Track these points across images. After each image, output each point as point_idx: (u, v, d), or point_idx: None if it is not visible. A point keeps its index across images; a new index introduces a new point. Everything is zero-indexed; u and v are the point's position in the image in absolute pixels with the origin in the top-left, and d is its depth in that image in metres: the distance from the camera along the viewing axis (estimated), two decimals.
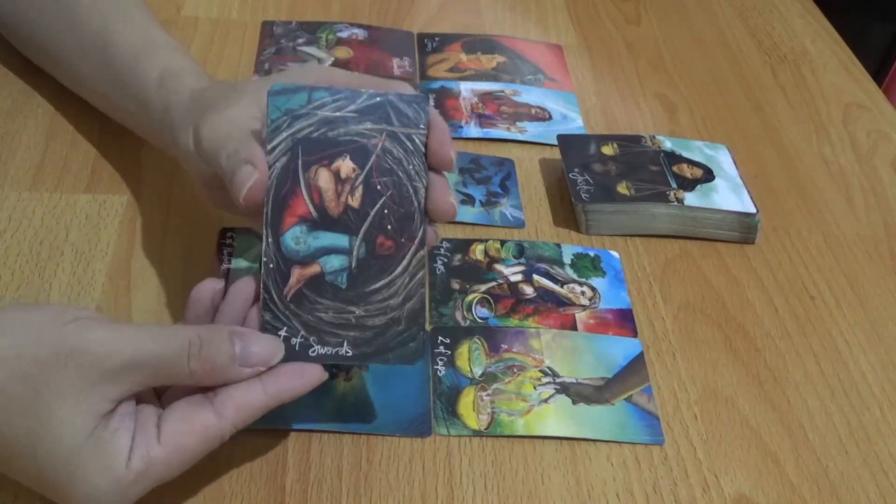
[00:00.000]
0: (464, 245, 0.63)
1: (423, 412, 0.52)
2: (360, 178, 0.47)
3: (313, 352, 0.46)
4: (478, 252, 0.63)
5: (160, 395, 0.46)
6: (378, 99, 0.47)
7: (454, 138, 0.72)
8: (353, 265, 0.47)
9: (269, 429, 0.50)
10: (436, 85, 0.78)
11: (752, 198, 0.67)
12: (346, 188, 0.47)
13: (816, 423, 0.55)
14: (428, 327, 0.57)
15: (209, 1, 0.84)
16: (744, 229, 0.66)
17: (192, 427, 0.42)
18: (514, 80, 0.80)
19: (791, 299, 0.63)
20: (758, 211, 0.66)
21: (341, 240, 0.47)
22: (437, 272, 0.61)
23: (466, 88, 0.78)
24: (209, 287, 0.47)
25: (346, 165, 0.47)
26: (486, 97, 0.77)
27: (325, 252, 0.46)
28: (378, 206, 0.47)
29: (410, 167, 0.47)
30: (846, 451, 0.54)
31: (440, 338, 0.56)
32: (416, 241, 0.47)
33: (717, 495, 0.51)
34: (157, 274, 0.58)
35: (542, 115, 0.76)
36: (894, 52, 1.24)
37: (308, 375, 0.45)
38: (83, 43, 0.61)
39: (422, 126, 0.48)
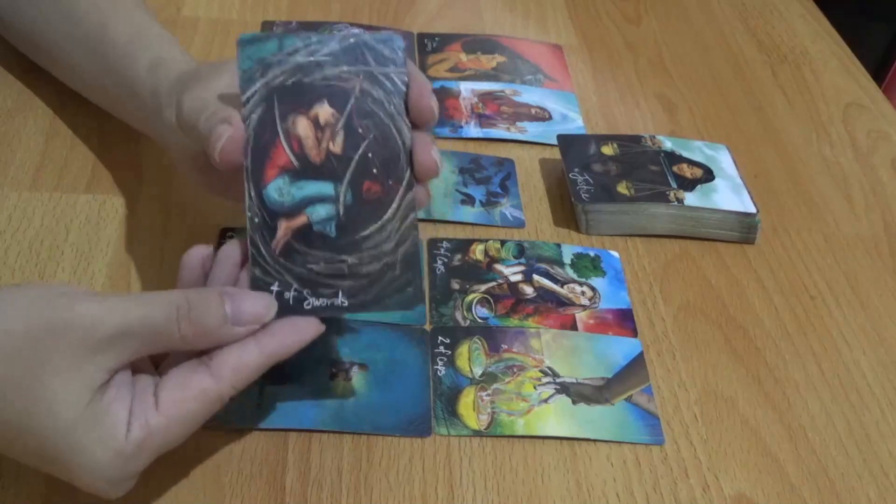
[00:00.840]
0: (464, 245, 0.63)
1: (423, 412, 0.52)
2: (341, 123, 0.46)
3: (308, 305, 0.45)
4: (478, 252, 0.63)
5: (158, 365, 0.45)
6: (352, 41, 0.46)
7: (454, 138, 0.72)
8: (341, 213, 0.45)
9: (269, 429, 0.50)
10: (436, 85, 0.78)
11: (752, 198, 0.67)
12: (326, 134, 0.46)
13: (816, 423, 0.55)
14: (428, 327, 0.57)
15: (209, 1, 0.84)
16: (744, 229, 0.66)
17: (190, 392, 0.42)
18: (514, 80, 0.80)
19: (791, 299, 0.63)
20: (758, 211, 0.66)
21: (326, 187, 0.45)
22: (437, 272, 0.61)
23: (466, 88, 0.78)
24: (199, 252, 0.46)
25: (324, 111, 0.45)
26: (486, 97, 0.77)
27: (310, 201, 0.45)
28: (361, 149, 0.45)
29: (391, 107, 0.46)
30: (846, 451, 0.54)
31: (440, 338, 0.56)
32: (404, 182, 0.46)
33: (717, 495, 0.51)
34: (157, 274, 0.58)
35: (542, 115, 0.76)
36: (894, 52, 1.24)
37: (304, 329, 0.44)
38: (79, 37, 0.61)
39: (400, 65, 0.46)
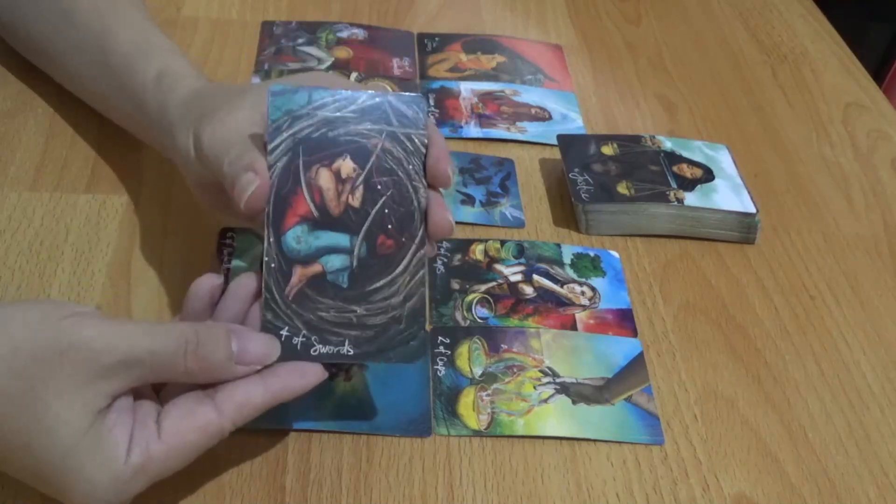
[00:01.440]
0: (464, 245, 0.63)
1: (423, 412, 0.52)
2: (361, 178, 0.47)
3: (315, 351, 0.46)
4: (478, 252, 0.63)
5: (158, 392, 0.46)
6: (377, 99, 0.48)
7: (454, 138, 0.72)
8: (355, 264, 0.47)
9: (269, 429, 0.50)
10: (436, 85, 0.78)
11: (752, 198, 0.67)
12: (346, 188, 0.47)
13: (816, 423, 0.55)
14: (428, 327, 0.57)
15: (209, 1, 0.84)
16: (744, 229, 0.66)
17: (193, 423, 0.43)
18: (514, 80, 0.80)
19: (791, 299, 0.63)
20: (758, 211, 0.66)
21: (342, 239, 0.47)
22: (437, 272, 0.61)
23: (466, 88, 0.78)
24: (208, 282, 0.47)
25: (346, 165, 0.47)
26: (486, 97, 0.77)
27: (326, 251, 0.47)
28: (378, 205, 0.47)
29: (410, 167, 0.48)
30: (846, 451, 0.54)
31: (440, 338, 0.56)
32: (417, 239, 0.47)
33: (717, 495, 0.51)
34: (157, 274, 0.58)
35: (542, 115, 0.76)
36: (894, 52, 1.24)
37: (308, 374, 0.45)
38: (81, 43, 0.61)
39: (420, 127, 0.48)
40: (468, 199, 0.67)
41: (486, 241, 0.64)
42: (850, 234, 0.69)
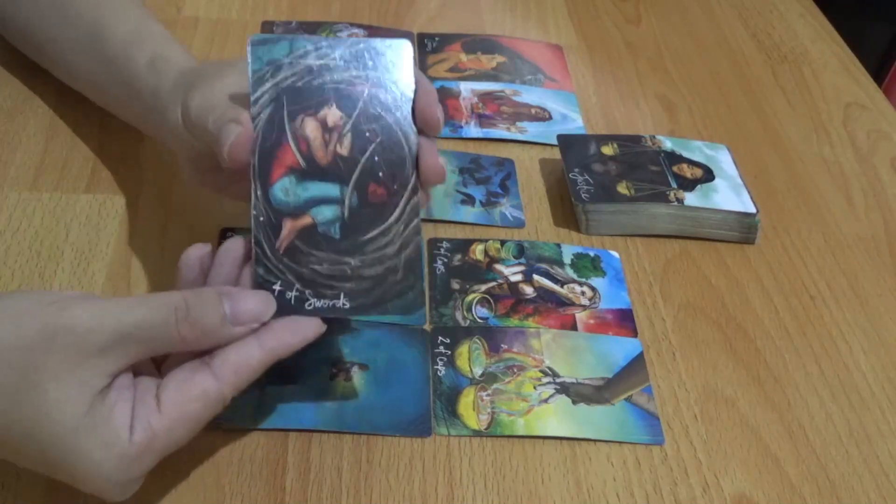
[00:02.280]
0: (464, 245, 0.63)
1: (423, 412, 0.52)
2: (348, 126, 0.46)
3: (309, 305, 0.45)
4: (478, 252, 0.63)
5: (160, 367, 0.45)
6: (361, 45, 0.46)
7: (454, 138, 0.72)
8: (346, 214, 0.46)
9: (269, 429, 0.50)
10: (436, 85, 0.78)
11: (752, 198, 0.67)
12: (333, 136, 0.46)
13: (816, 423, 0.55)
14: (428, 327, 0.57)
15: (209, 1, 0.84)
16: (744, 229, 0.66)
17: (192, 393, 0.42)
18: (514, 80, 0.80)
19: (791, 299, 0.63)
20: (758, 211, 0.66)
21: (332, 189, 0.46)
22: (437, 272, 0.61)
23: (466, 88, 0.78)
24: (197, 251, 0.46)
25: (332, 113, 0.46)
26: (486, 97, 0.77)
27: (316, 202, 0.46)
28: (368, 153, 0.46)
29: (398, 113, 0.46)
30: (846, 451, 0.54)
31: (440, 338, 0.56)
32: (409, 187, 0.46)
33: (717, 495, 0.51)
34: (157, 274, 0.58)
35: (542, 115, 0.76)
36: (894, 52, 1.24)
37: (304, 329, 0.44)
38: (77, 33, 0.61)
39: (408, 71, 0.47)
40: (468, 199, 0.67)
41: (487, 241, 0.64)
42: (850, 234, 0.69)
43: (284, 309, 0.45)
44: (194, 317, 0.42)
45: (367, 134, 0.46)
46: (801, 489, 0.51)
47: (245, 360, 0.43)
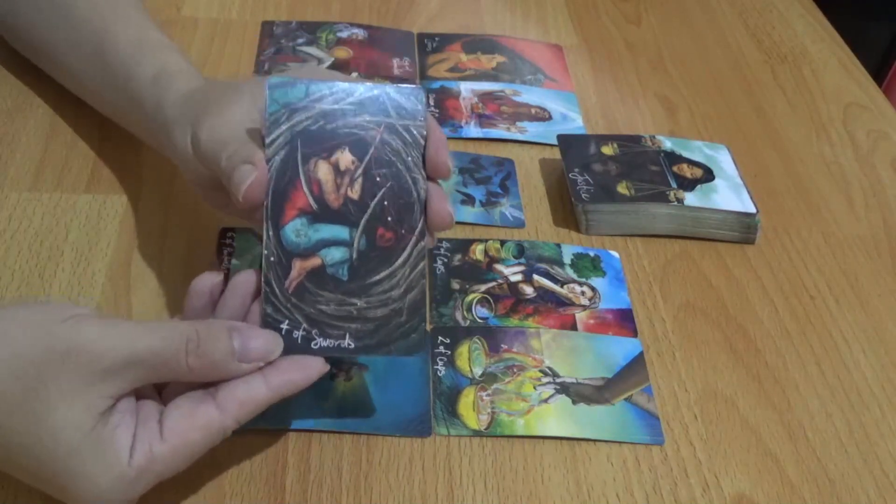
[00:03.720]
0: (464, 245, 0.63)
1: (423, 412, 0.52)
2: (360, 170, 0.47)
3: (315, 344, 0.46)
4: (478, 252, 0.63)
5: (161, 391, 0.46)
6: (375, 91, 0.47)
7: (454, 138, 0.72)
8: (354, 257, 0.46)
9: (269, 429, 0.50)
10: (436, 85, 0.78)
11: (752, 198, 0.67)
12: (345, 180, 0.47)
13: (816, 423, 0.55)
14: (428, 327, 0.57)
15: (209, 1, 0.84)
16: (744, 229, 0.66)
17: (195, 422, 0.42)
18: (514, 80, 0.80)
19: (791, 299, 0.63)
20: (758, 211, 0.66)
21: (342, 232, 0.47)
22: (437, 272, 0.61)
23: (466, 88, 0.78)
24: (208, 280, 0.47)
25: (345, 157, 0.47)
26: (486, 97, 0.77)
27: (325, 244, 0.46)
28: (378, 197, 0.47)
29: (409, 158, 0.47)
30: (846, 451, 0.54)
31: (440, 338, 0.56)
32: (417, 231, 0.47)
33: (717, 495, 0.51)
34: (157, 274, 0.58)
35: (542, 115, 0.76)
36: (894, 52, 1.24)
37: (310, 368, 0.45)
38: (79, 41, 0.61)
39: (419, 118, 0.48)
40: (468, 199, 0.67)
41: (486, 241, 0.64)
42: (850, 234, 0.69)
43: (291, 347, 0.45)
44: (204, 350, 0.42)
45: (378, 178, 0.47)
46: (801, 489, 0.51)
47: (250, 396, 0.44)
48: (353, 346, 0.46)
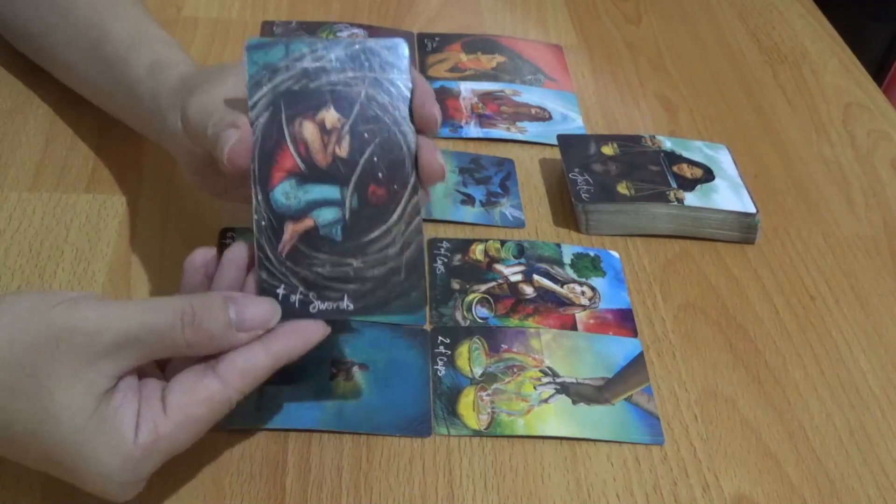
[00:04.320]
0: (464, 245, 0.63)
1: (423, 412, 0.52)
2: (346, 128, 0.46)
3: (314, 308, 0.45)
4: (478, 252, 0.63)
5: (163, 368, 0.45)
6: (356, 46, 0.47)
7: (454, 138, 0.72)
8: (347, 216, 0.46)
9: (269, 429, 0.50)
10: (436, 85, 0.78)
11: (752, 198, 0.67)
12: (332, 138, 0.46)
13: (816, 423, 0.55)
14: (428, 327, 0.57)
15: (209, 1, 0.84)
16: (744, 229, 0.66)
17: (198, 397, 0.42)
18: (514, 80, 0.80)
19: (791, 299, 0.63)
20: (758, 211, 0.66)
21: (332, 191, 0.46)
22: (437, 272, 0.61)
23: (466, 88, 0.78)
24: (202, 256, 0.46)
25: (330, 115, 0.46)
26: (486, 97, 0.77)
27: (317, 205, 0.46)
28: (367, 154, 0.46)
29: (396, 112, 0.46)
30: (846, 451, 0.54)
31: (440, 338, 0.56)
32: (409, 186, 0.46)
33: (717, 495, 0.51)
34: (157, 274, 0.58)
35: (542, 115, 0.76)
36: (894, 52, 1.24)
37: (310, 332, 0.45)
38: (76, 36, 0.61)
39: (403, 70, 0.47)
40: (468, 199, 0.67)
41: (486, 241, 0.64)
42: (850, 234, 0.69)
43: (289, 312, 0.45)
44: (200, 322, 0.42)
45: (366, 135, 0.46)
46: (801, 489, 0.51)
47: (251, 365, 0.43)
48: (352, 307, 0.45)
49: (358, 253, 0.46)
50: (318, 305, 0.45)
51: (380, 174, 0.46)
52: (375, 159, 0.46)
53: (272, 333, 0.44)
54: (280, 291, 0.45)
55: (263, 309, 0.44)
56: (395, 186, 0.46)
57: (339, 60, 0.46)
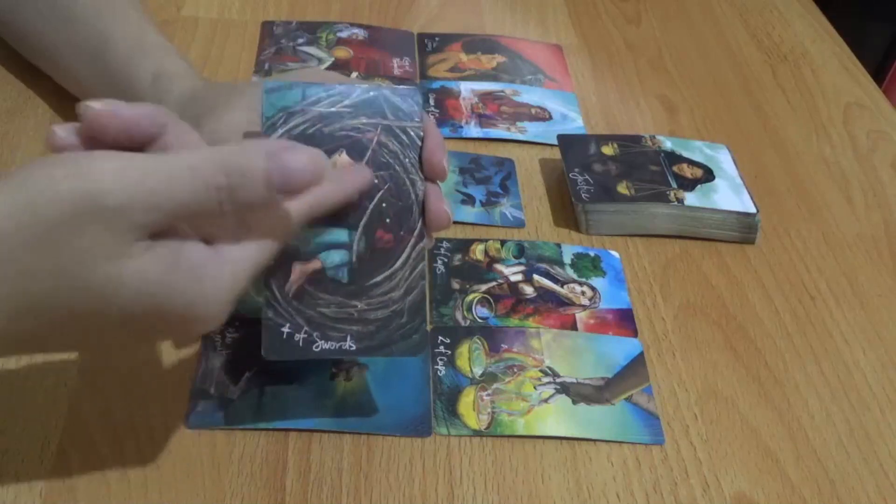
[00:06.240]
0: (464, 245, 0.63)
1: (423, 412, 0.52)
2: None
3: (317, 347, 0.46)
4: (478, 252, 0.63)
5: None
6: (372, 93, 0.48)
7: (454, 138, 0.72)
8: (354, 259, 0.47)
9: (269, 429, 0.50)
10: (436, 85, 0.78)
11: (752, 198, 0.67)
12: None
13: (816, 423, 0.55)
14: (428, 327, 0.57)
15: (209, 1, 0.84)
16: (744, 229, 0.66)
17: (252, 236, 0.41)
18: (514, 80, 0.80)
19: (791, 299, 0.63)
20: (758, 211, 0.66)
21: (341, 234, 0.47)
22: (438, 272, 0.61)
23: (466, 88, 0.78)
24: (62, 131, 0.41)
25: (342, 160, 0.47)
26: (486, 97, 0.77)
27: (325, 247, 0.46)
28: (376, 199, 0.47)
29: (406, 160, 0.48)
30: (846, 451, 0.54)
31: (440, 338, 0.56)
32: (415, 233, 0.47)
33: (717, 495, 0.51)
34: None
35: (542, 115, 0.76)
36: (894, 52, 1.25)
37: (349, 183, 0.45)
38: (78, 43, 0.61)
39: (416, 119, 0.48)
40: (468, 199, 0.67)
41: (487, 241, 0.64)
42: (850, 234, 0.69)
43: (292, 350, 0.46)
44: (238, 198, 0.39)
45: (376, 181, 0.47)
46: (801, 489, 0.51)
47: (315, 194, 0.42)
48: (354, 347, 0.46)
49: (363, 295, 0.47)
50: (322, 345, 0.46)
51: (388, 220, 0.47)
52: (384, 205, 0.47)
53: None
54: (285, 330, 0.46)
55: (307, 161, 0.41)
56: (402, 232, 0.47)
57: (354, 106, 0.47)
